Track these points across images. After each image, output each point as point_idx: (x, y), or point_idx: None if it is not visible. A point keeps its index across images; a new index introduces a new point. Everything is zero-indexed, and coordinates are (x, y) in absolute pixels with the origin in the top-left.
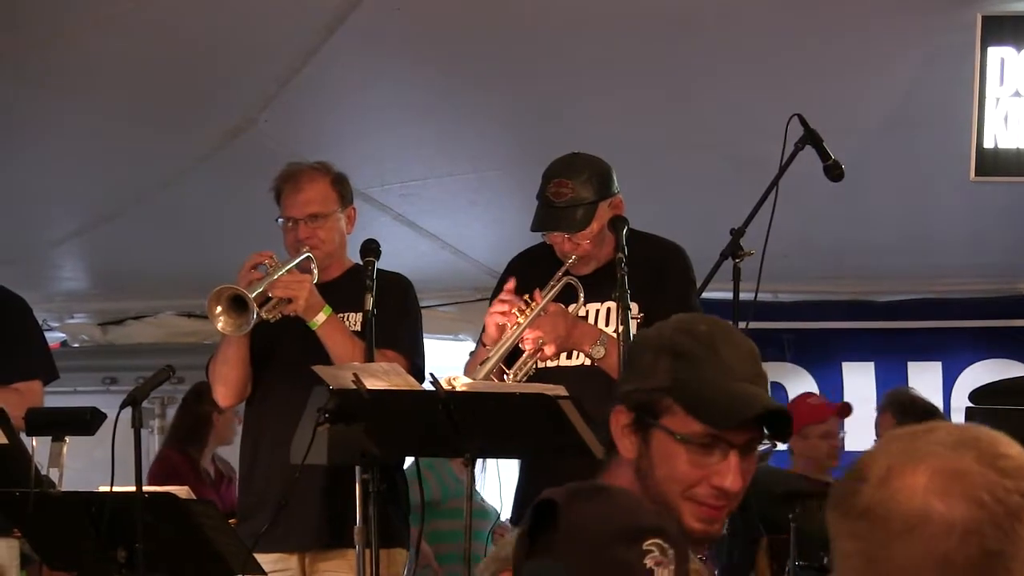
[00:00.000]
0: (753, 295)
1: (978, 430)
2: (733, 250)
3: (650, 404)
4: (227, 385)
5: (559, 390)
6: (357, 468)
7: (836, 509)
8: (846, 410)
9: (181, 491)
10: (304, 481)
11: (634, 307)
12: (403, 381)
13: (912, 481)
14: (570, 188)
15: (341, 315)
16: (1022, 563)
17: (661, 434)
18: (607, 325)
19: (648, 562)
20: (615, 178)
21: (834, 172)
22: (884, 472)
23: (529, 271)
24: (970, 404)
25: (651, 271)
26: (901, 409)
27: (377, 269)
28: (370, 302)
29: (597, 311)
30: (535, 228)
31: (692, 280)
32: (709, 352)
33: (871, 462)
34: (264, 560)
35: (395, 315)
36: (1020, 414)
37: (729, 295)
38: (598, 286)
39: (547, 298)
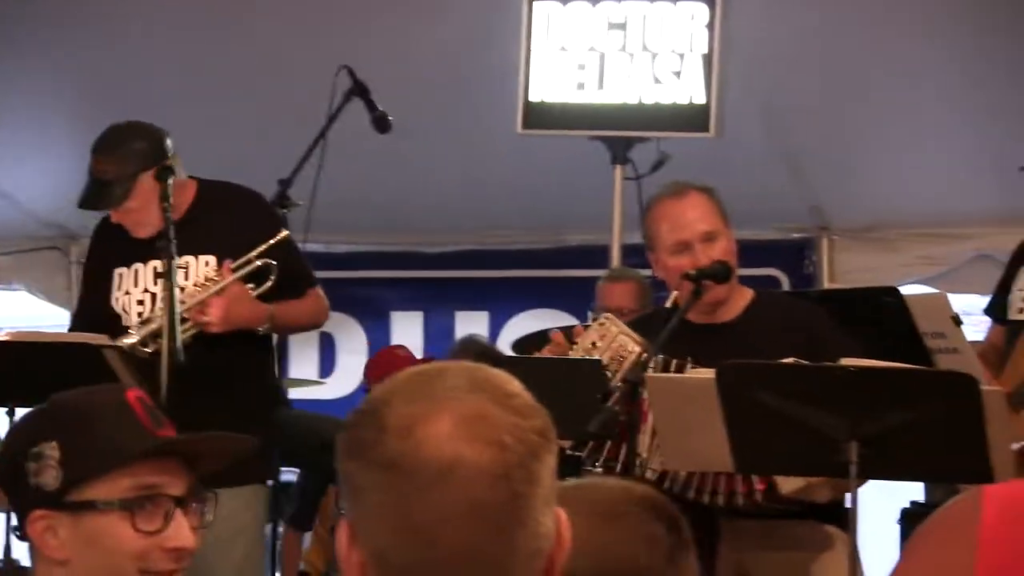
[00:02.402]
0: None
1: (485, 370)
2: (281, 200)
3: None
4: None
5: (103, 339)
6: None
7: (357, 459)
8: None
9: None
10: None
11: (212, 259)
12: None
13: (437, 429)
14: (109, 165)
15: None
16: (542, 501)
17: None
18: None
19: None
20: (167, 143)
21: (381, 124)
22: (406, 420)
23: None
24: (512, 354)
25: (236, 216)
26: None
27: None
28: None
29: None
30: (80, 205)
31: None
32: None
33: (387, 410)
34: None
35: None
36: (554, 362)
37: None
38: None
39: (236, 277)
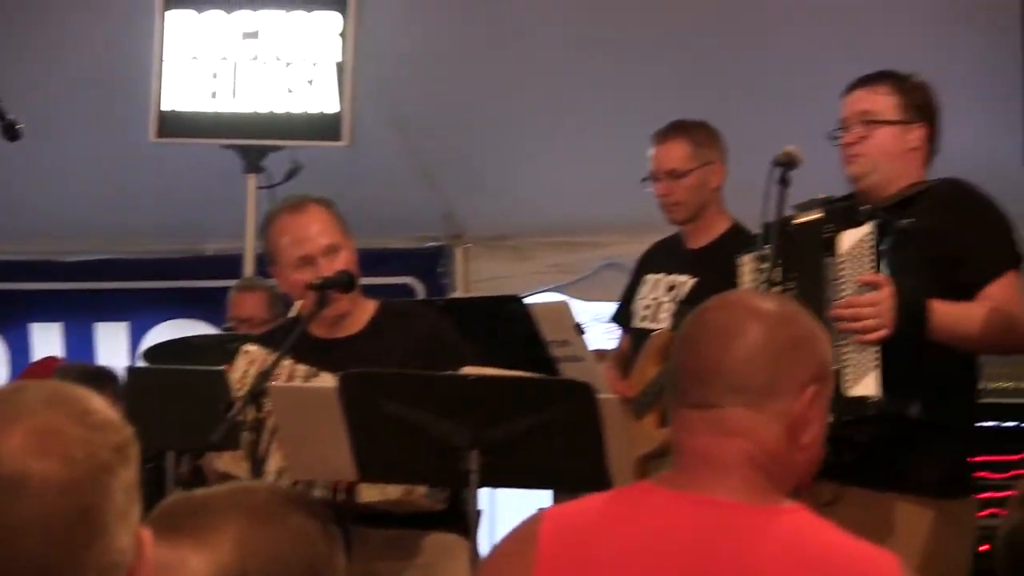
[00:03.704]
0: None
1: (66, 387)
2: None
3: None
4: None
5: None
6: None
7: None
8: None
9: None
10: None
11: None
12: None
13: (8, 443)
14: None
15: None
16: (116, 516)
17: None
18: None
19: None
20: None
21: (10, 132)
22: None
23: None
24: (143, 364)
25: None
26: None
27: None
28: None
29: None
30: None
31: None
32: None
33: None
34: None
35: None
36: (178, 373)
37: None
38: None
39: None
